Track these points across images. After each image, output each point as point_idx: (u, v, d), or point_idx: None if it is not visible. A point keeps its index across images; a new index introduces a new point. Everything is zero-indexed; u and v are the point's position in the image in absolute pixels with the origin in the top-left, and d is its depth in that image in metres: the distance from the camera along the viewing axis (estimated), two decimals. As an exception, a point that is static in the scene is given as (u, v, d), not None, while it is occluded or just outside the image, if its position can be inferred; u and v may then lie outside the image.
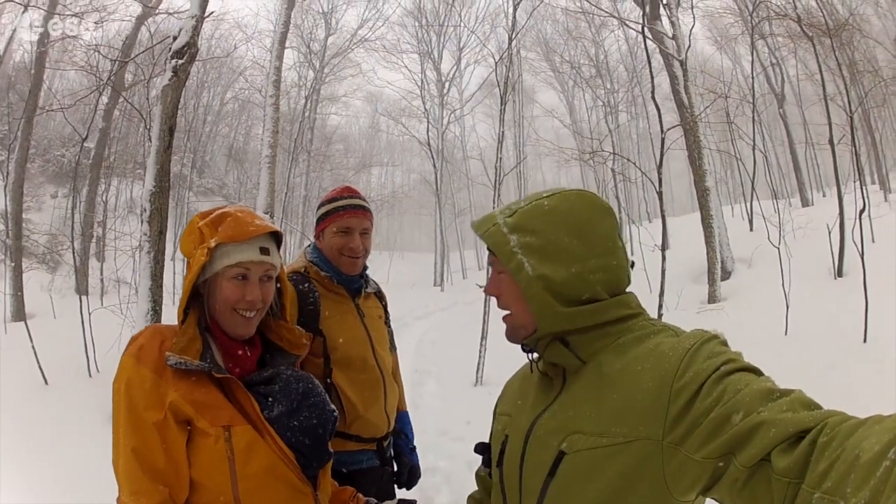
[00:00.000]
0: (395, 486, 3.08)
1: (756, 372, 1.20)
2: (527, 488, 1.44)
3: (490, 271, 1.66)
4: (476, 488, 1.95)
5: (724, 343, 1.32)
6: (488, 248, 1.55)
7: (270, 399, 1.91)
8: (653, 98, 9.41)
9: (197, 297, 1.97)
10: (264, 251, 1.96)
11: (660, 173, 8.51)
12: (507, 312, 1.56)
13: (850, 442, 0.90)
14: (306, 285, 2.84)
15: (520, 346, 1.60)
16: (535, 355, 1.62)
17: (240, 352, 1.97)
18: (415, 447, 3.27)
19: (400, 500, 2.28)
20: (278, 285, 2.13)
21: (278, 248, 2.08)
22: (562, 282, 1.45)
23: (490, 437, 1.76)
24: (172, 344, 1.81)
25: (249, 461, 1.77)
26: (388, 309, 3.34)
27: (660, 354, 1.29)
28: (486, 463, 1.75)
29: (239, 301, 1.91)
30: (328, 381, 2.73)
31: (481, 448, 1.77)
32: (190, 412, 1.75)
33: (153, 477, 1.69)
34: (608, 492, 1.26)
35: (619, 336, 1.43)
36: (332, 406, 2.06)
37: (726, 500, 1.12)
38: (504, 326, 1.61)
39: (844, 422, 0.96)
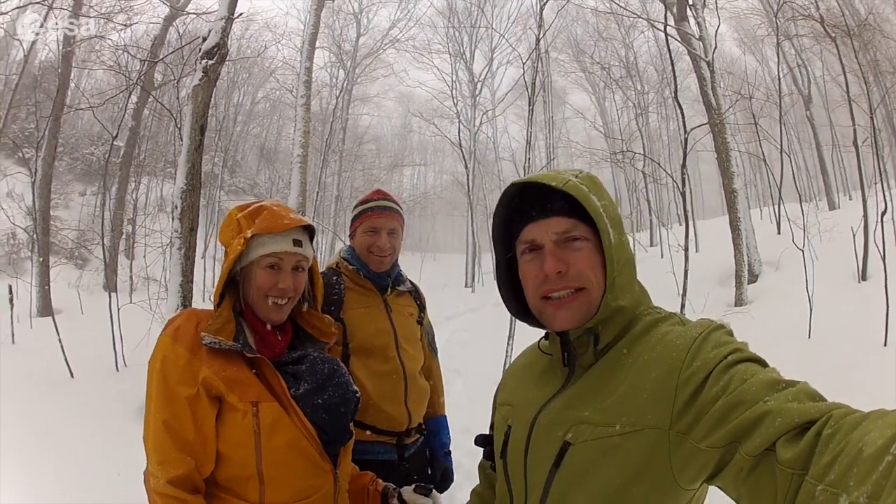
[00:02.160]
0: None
1: (762, 363, 1.21)
2: (532, 479, 1.43)
3: (541, 244, 1.45)
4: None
5: (730, 333, 1.32)
6: (541, 213, 1.45)
7: (297, 378, 2.01)
8: (675, 98, 9.34)
9: (233, 284, 2.09)
10: (297, 243, 2.08)
11: (683, 173, 8.47)
12: (579, 289, 1.41)
13: (853, 435, 0.90)
14: (335, 278, 3.04)
15: (546, 333, 1.58)
16: (545, 340, 1.62)
17: (271, 336, 2.08)
18: (449, 451, 3.31)
19: (416, 485, 2.30)
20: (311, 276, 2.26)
21: (311, 241, 2.18)
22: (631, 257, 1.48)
23: (491, 428, 1.77)
24: (207, 325, 1.93)
25: (274, 436, 1.87)
26: (426, 311, 3.43)
27: (667, 344, 1.30)
28: (488, 455, 1.76)
29: (271, 289, 2.02)
30: (346, 366, 2.79)
31: (482, 440, 1.78)
32: (221, 388, 1.85)
33: (181, 448, 1.79)
34: (615, 482, 1.26)
35: (633, 327, 1.42)
36: (356, 388, 2.15)
37: (730, 489, 1.13)
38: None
39: (849, 414, 0.97)
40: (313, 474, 1.97)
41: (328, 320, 2.30)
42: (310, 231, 2.18)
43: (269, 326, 2.09)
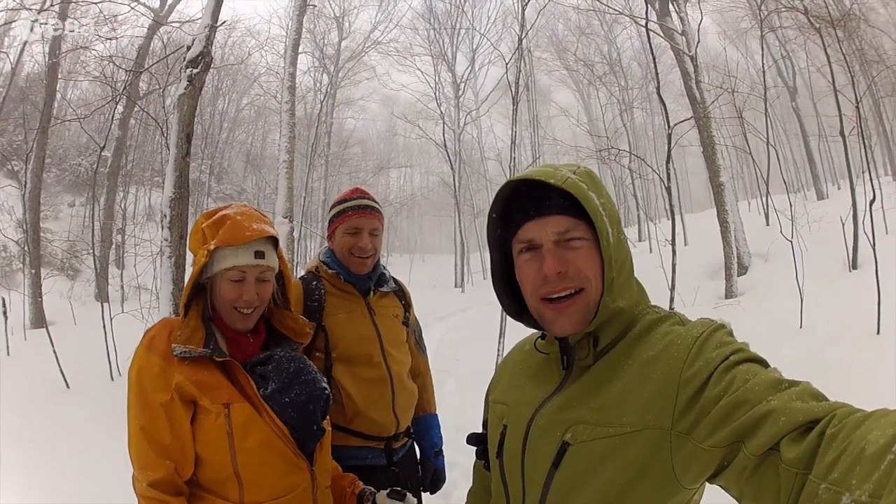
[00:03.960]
0: (421, 489, 3.08)
1: (763, 363, 1.20)
2: (530, 480, 1.40)
3: (539, 243, 1.40)
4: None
5: (731, 333, 1.30)
6: (535, 211, 1.41)
7: (265, 378, 2.05)
8: (658, 94, 9.41)
9: (202, 291, 2.13)
10: (259, 255, 2.09)
11: (668, 169, 8.49)
12: (578, 290, 1.37)
13: (856, 434, 0.91)
14: (314, 283, 2.91)
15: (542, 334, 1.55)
16: (541, 339, 1.57)
17: (243, 339, 2.12)
18: (440, 451, 3.23)
19: (391, 489, 2.30)
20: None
21: (275, 249, 2.20)
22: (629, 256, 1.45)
23: (484, 427, 1.75)
24: (177, 335, 1.97)
25: (247, 436, 1.92)
26: (412, 309, 3.30)
27: (668, 344, 1.28)
28: (481, 454, 1.74)
29: (237, 300, 2.05)
30: (329, 375, 2.75)
31: (474, 439, 1.77)
32: (194, 392, 1.90)
33: (160, 452, 1.86)
34: (617, 482, 1.24)
35: (633, 327, 1.39)
36: (325, 385, 2.16)
37: (732, 488, 1.12)
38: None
39: (852, 414, 0.97)
40: (289, 472, 2.01)
41: (302, 321, 2.31)
42: (273, 240, 2.18)
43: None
